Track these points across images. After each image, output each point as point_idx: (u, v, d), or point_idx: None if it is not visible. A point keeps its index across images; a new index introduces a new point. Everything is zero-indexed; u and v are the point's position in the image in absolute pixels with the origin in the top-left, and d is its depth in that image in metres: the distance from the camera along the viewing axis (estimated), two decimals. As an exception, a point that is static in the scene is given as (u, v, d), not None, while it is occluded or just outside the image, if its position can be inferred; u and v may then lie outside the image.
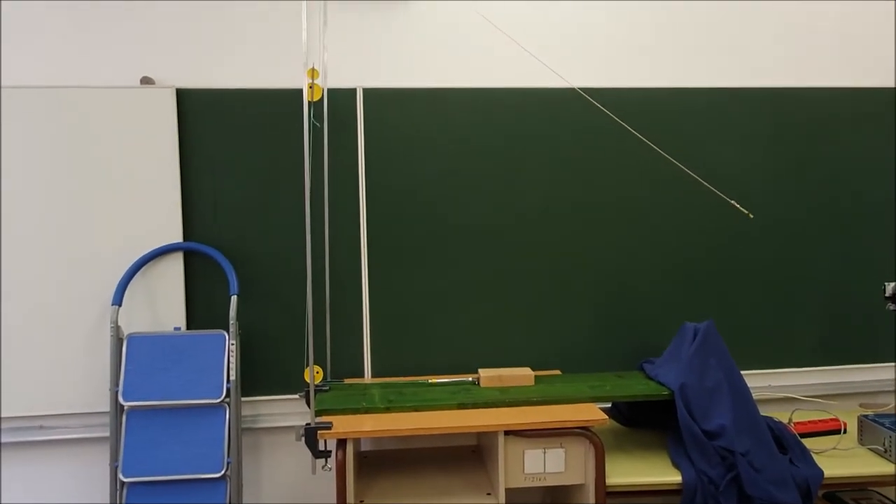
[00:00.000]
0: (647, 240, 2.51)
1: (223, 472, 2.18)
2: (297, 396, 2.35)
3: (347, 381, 2.36)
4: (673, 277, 2.52)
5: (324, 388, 2.22)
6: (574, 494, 2.13)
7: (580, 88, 2.45)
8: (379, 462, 2.28)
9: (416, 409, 2.04)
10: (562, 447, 1.98)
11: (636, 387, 2.18)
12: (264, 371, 2.38)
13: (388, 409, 2.03)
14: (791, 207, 2.55)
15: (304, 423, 1.90)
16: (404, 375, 2.42)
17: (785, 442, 2.09)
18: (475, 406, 2.06)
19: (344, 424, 1.92)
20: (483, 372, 2.25)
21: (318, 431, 1.85)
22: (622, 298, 2.50)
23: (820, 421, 2.29)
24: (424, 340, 2.43)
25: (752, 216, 2.22)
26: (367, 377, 2.42)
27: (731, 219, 2.53)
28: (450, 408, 2.05)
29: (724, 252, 2.54)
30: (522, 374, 2.24)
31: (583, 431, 1.97)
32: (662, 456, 2.16)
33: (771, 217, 2.54)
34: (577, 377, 2.35)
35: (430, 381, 2.30)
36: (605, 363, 2.51)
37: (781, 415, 2.36)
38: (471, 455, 2.34)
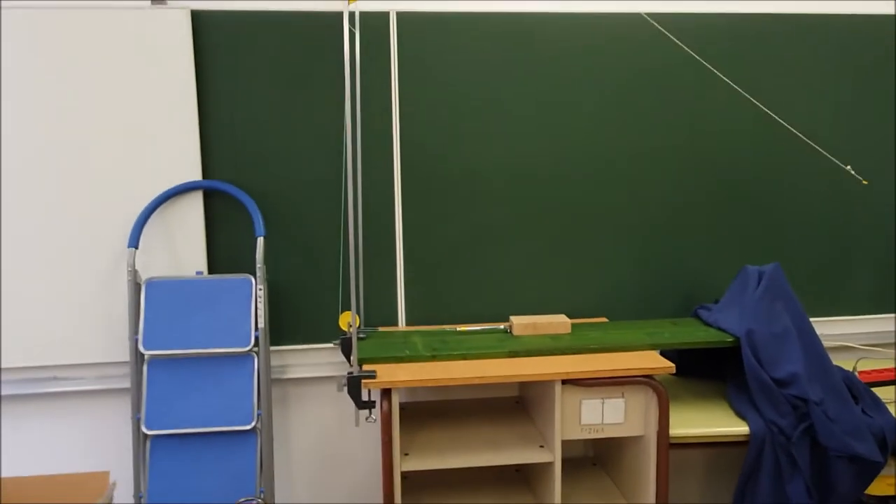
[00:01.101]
0: (692, 181, 2.33)
1: (253, 424, 2.04)
2: (330, 345, 2.20)
3: (382, 328, 2.20)
4: (723, 219, 2.35)
5: (360, 335, 2.06)
6: (626, 447, 2.00)
7: (645, 14, 2.23)
8: (417, 414, 2.14)
9: (464, 358, 1.89)
10: (623, 396, 1.84)
11: (696, 334, 2.04)
12: (291, 319, 2.22)
13: (433, 358, 1.88)
14: (851, 145, 2.37)
15: (345, 373, 1.75)
16: (440, 323, 2.27)
17: (855, 391, 1.96)
18: (527, 354, 1.91)
19: (387, 374, 1.77)
20: (516, 319, 2.09)
21: (363, 381, 1.70)
22: (669, 242, 2.34)
23: (886, 370, 2.16)
24: (461, 286, 2.27)
25: (866, 182, 2.03)
26: (401, 325, 2.26)
27: (787, 157, 2.35)
28: (500, 356, 1.90)
29: (778, 193, 2.37)
30: (558, 322, 2.08)
31: (646, 380, 1.82)
32: (722, 406, 2.02)
33: (830, 156, 2.36)
34: (628, 324, 2.20)
35: (458, 328, 2.14)
36: (652, 310, 2.36)
37: (843, 363, 2.22)
38: (514, 406, 2.21)
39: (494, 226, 2.27)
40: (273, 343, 2.22)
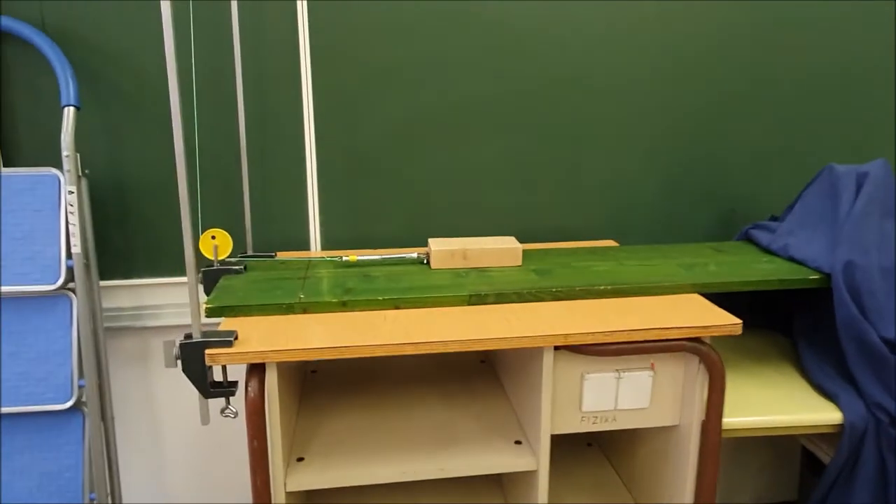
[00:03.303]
0: (741, 56, 1.57)
1: (73, 399, 1.31)
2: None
3: (281, 255, 1.46)
4: (780, 105, 1.62)
5: (235, 266, 1.30)
6: (645, 433, 1.33)
7: None
8: (333, 381, 1.43)
9: (397, 306, 1.16)
10: (651, 369, 1.14)
11: (758, 267, 1.33)
12: (145, 239, 1.46)
13: (344, 306, 1.14)
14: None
15: (182, 337, 1.00)
16: (376, 247, 1.54)
17: None
18: (498, 300, 1.18)
19: (263, 335, 1.04)
20: (435, 244, 1.33)
21: (207, 351, 0.96)
22: (702, 134, 1.60)
23: None
24: (405, 196, 1.53)
25: None
26: (316, 250, 1.52)
27: (860, 40, 1.59)
28: (456, 303, 1.17)
29: (859, 74, 1.63)
30: (502, 249, 1.33)
31: (693, 344, 1.12)
32: (790, 376, 1.35)
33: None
34: (649, 251, 1.48)
35: (343, 257, 1.37)
36: (678, 230, 1.66)
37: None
38: (478, 368, 1.51)
39: (453, 108, 1.49)
40: (120, 275, 1.46)
